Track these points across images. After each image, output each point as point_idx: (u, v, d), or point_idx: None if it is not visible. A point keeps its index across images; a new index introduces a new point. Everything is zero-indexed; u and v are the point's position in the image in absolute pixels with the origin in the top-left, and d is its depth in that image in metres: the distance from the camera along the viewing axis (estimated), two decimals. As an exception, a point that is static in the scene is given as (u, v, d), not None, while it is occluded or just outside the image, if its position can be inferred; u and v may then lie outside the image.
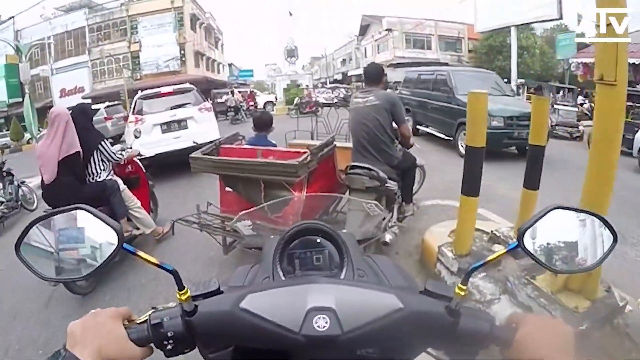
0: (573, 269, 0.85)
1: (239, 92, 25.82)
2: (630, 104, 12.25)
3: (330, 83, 40.27)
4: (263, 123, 4.98)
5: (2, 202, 7.03)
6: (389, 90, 4.65)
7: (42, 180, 4.30)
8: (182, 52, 35.91)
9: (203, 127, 9.05)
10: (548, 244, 0.81)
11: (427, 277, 3.41)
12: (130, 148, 6.20)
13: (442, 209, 5.68)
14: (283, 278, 0.93)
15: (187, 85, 10.33)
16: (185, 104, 9.25)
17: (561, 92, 16.91)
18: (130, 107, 10.12)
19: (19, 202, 7.39)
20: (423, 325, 0.71)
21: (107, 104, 20.26)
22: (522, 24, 17.92)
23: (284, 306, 0.68)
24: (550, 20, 16.32)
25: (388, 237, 4.14)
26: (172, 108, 9.14)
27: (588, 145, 10.67)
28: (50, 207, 4.23)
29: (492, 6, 17.44)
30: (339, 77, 52.18)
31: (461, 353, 0.75)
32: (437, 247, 3.91)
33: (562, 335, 0.71)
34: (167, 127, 8.96)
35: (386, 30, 40.18)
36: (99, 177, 4.61)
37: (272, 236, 1.15)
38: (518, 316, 0.76)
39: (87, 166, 4.54)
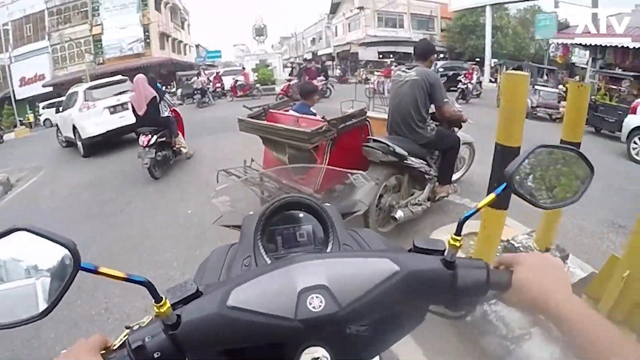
0: (558, 203, 0.87)
1: (206, 73, 24.58)
2: (614, 86, 12.23)
3: (304, 61, 39.59)
4: (306, 91, 5.61)
5: None
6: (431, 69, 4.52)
7: (136, 115, 7.77)
8: (147, 33, 34.24)
9: None
10: (535, 182, 0.84)
11: None
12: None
13: (453, 208, 5.17)
14: (266, 257, 0.92)
15: (121, 77, 12.79)
16: (125, 90, 11.07)
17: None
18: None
19: None
20: (423, 284, 0.70)
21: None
22: (497, 4, 17.67)
23: (274, 293, 0.64)
24: (526, 0, 16.13)
25: (399, 214, 4.10)
26: (115, 95, 11.24)
27: None
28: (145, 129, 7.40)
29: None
30: (308, 56, 51.19)
31: (462, 305, 0.75)
32: None
33: (556, 269, 0.75)
34: (114, 109, 11.05)
35: (358, 8, 39.65)
36: (164, 113, 7.99)
37: (251, 212, 1.12)
38: (510, 258, 0.78)
39: (158, 107, 7.78)
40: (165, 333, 0.62)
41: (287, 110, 5.37)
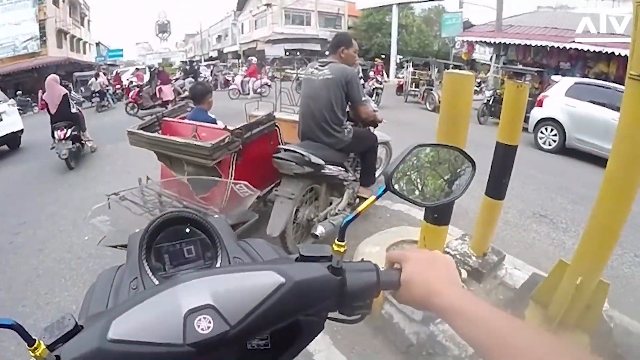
0: (441, 200, 0.86)
1: (104, 74, 22.04)
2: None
3: (205, 61, 38.63)
4: (199, 94, 4.60)
5: None
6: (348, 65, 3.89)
7: (50, 112, 8.31)
8: (43, 30, 30.59)
9: (11, 119, 10.62)
10: (415, 181, 0.84)
11: (371, 320, 3.00)
12: None
13: (385, 213, 4.97)
14: (153, 278, 0.88)
15: None
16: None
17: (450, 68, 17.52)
18: None
19: None
20: (311, 292, 0.67)
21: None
22: (404, 3, 18.14)
23: (158, 319, 0.58)
24: (432, 0, 16.76)
25: (319, 230, 3.61)
26: None
27: (478, 120, 11.22)
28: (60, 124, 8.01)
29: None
30: (214, 54, 50.80)
31: (356, 308, 0.74)
32: None
33: (445, 266, 0.74)
34: None
35: (265, 5, 39.49)
36: (73, 109, 8.61)
37: (137, 230, 1.05)
38: (397, 255, 0.78)
39: (69, 104, 8.45)
40: None
41: (184, 118, 4.63)
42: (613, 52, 12.46)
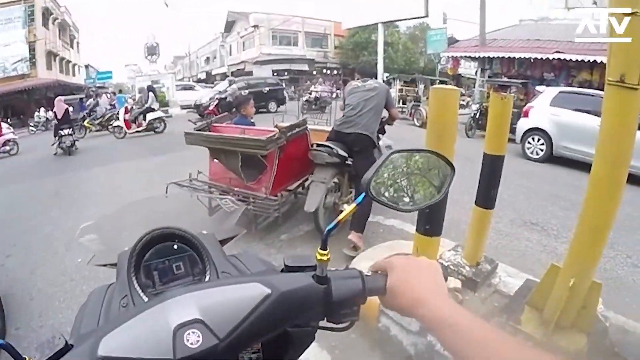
0: (420, 205, 0.88)
1: (107, 96, 22.08)
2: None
3: (194, 82, 38.66)
4: (239, 104, 6.03)
5: None
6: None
7: (57, 119, 12.96)
8: (32, 52, 30.45)
9: None
10: (394, 187, 0.84)
11: (367, 333, 3.04)
12: None
13: (378, 229, 5.07)
14: (142, 295, 0.88)
15: None
16: None
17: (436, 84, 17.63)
18: None
19: None
20: (298, 302, 0.68)
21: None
22: (389, 21, 18.31)
23: (147, 335, 0.58)
24: (417, 17, 16.88)
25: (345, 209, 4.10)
26: None
27: (466, 134, 11.31)
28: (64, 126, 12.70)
29: (359, 4, 17.55)
30: (202, 76, 50.99)
31: (343, 316, 0.74)
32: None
33: (431, 273, 0.74)
34: None
35: (253, 26, 39.75)
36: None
37: (125, 248, 1.04)
38: (383, 263, 0.78)
39: (69, 115, 13.44)
40: None
41: (230, 123, 5.65)
42: (595, 60, 12.62)
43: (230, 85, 19.84)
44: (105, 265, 1.25)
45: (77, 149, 13.12)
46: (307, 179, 5.07)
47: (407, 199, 0.86)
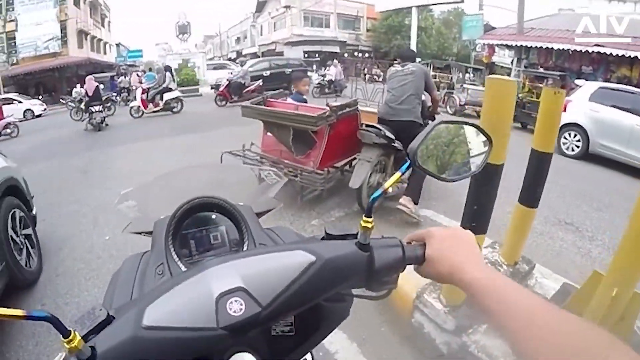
0: (461, 175, 0.88)
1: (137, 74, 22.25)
2: (540, 85, 12.72)
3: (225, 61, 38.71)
4: (296, 79, 6.41)
5: None
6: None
7: (89, 96, 13.39)
8: (64, 31, 31.27)
9: None
10: (438, 157, 0.86)
11: (399, 328, 3.02)
12: None
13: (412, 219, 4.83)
14: (179, 264, 0.88)
15: None
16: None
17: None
18: None
19: None
20: (341, 270, 0.68)
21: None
22: (423, 5, 18.02)
23: (190, 304, 0.59)
24: (453, 2, 16.56)
25: (390, 189, 4.28)
26: None
27: None
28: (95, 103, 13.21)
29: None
30: (233, 55, 50.87)
31: (383, 284, 0.75)
32: (415, 294, 3.00)
33: (466, 241, 0.75)
34: None
35: (284, 7, 39.62)
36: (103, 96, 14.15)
37: (162, 216, 1.08)
38: (421, 233, 0.79)
39: (100, 92, 14.04)
40: None
41: (285, 100, 5.96)
42: (637, 57, 12.22)
43: (241, 66, 19.89)
44: (140, 233, 1.27)
45: (108, 125, 13.70)
46: (354, 158, 5.21)
47: (449, 169, 0.87)
